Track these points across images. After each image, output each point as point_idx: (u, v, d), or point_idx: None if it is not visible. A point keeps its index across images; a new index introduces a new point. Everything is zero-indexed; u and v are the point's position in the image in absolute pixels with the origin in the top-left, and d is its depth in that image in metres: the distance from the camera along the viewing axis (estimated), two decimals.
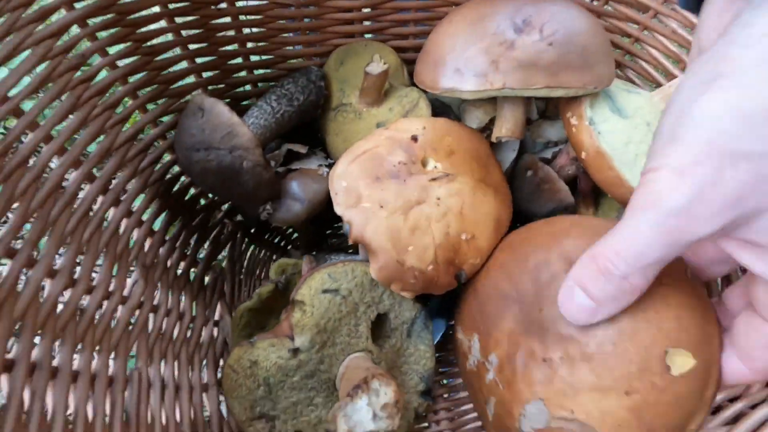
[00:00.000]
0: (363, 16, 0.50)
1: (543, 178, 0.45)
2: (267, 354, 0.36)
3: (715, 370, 0.25)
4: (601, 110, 0.39)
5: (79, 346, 0.30)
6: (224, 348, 0.46)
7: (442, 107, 0.53)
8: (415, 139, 0.38)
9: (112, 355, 0.33)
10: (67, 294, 0.31)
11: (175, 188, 0.48)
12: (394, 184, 0.36)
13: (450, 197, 0.37)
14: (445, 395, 0.47)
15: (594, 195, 0.48)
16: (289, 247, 0.62)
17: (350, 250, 0.66)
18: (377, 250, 0.35)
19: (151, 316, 0.39)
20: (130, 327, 0.36)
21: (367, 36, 0.53)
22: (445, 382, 0.48)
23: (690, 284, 0.28)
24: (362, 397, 0.31)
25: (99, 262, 0.35)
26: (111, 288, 0.35)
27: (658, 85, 0.47)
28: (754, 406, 0.30)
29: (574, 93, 0.39)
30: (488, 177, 0.42)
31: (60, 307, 0.30)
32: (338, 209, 0.36)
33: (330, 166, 0.47)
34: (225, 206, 0.55)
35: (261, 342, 0.36)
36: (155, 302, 0.40)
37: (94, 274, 0.34)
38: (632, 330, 0.25)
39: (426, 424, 0.44)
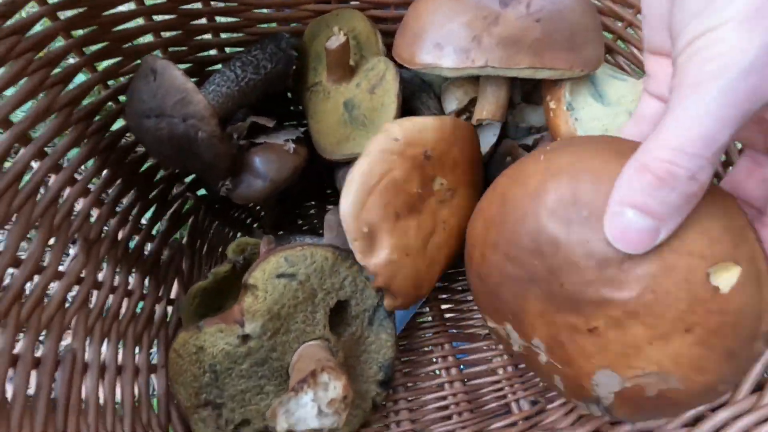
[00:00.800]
0: None
1: None
2: (214, 340, 0.34)
3: (763, 263, 0.23)
4: (581, 96, 0.37)
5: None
6: (179, 328, 0.44)
7: (422, 85, 0.50)
8: (428, 157, 0.35)
9: (42, 335, 0.31)
10: None
11: (130, 157, 0.45)
12: (413, 221, 0.34)
13: (452, 216, 0.37)
14: (409, 384, 0.46)
15: None
16: (255, 226, 0.60)
17: (320, 231, 0.64)
18: (401, 295, 0.35)
19: (94, 293, 0.36)
20: (67, 305, 0.33)
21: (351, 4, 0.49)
22: (406, 371, 0.47)
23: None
24: (307, 391, 0.29)
25: (33, 235, 0.32)
26: (44, 262, 0.32)
27: None
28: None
29: (560, 75, 0.36)
30: (476, 176, 0.40)
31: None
32: (361, 259, 0.33)
33: (297, 140, 0.44)
34: (187, 179, 0.52)
35: (208, 327, 0.34)
36: (99, 278, 0.37)
37: (23, 247, 0.31)
38: (664, 269, 0.23)
39: (384, 414, 0.43)
